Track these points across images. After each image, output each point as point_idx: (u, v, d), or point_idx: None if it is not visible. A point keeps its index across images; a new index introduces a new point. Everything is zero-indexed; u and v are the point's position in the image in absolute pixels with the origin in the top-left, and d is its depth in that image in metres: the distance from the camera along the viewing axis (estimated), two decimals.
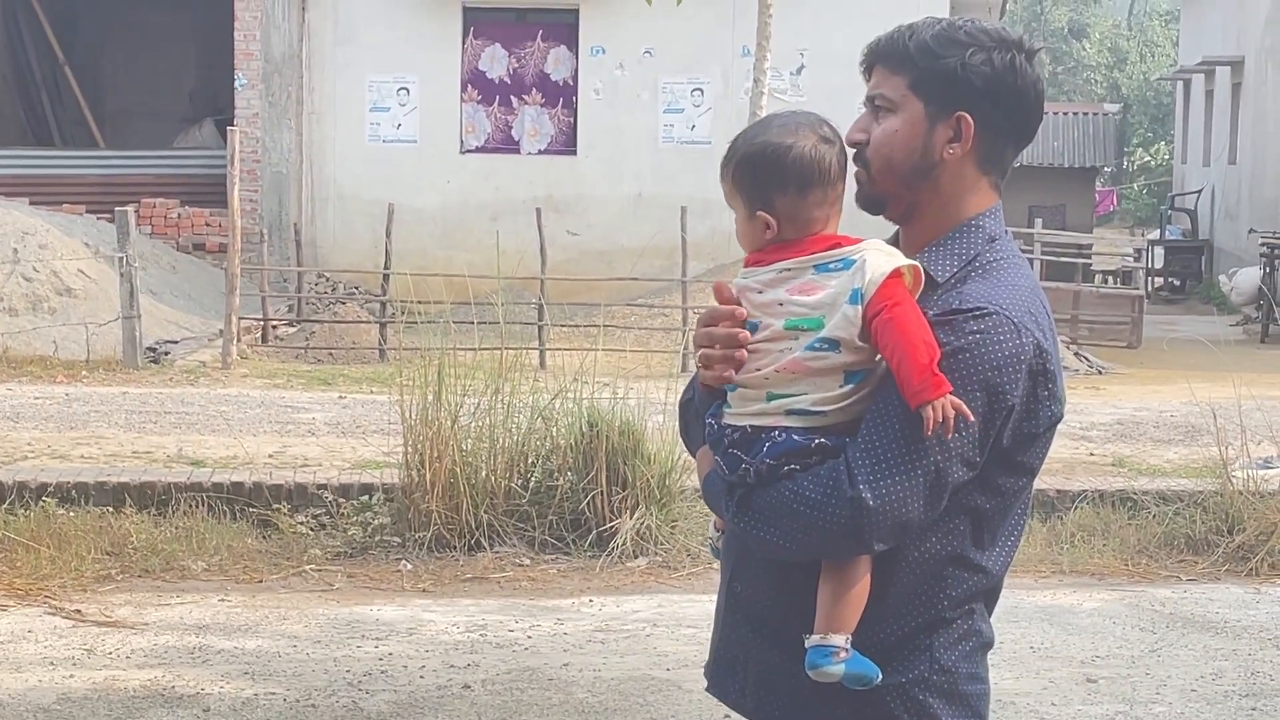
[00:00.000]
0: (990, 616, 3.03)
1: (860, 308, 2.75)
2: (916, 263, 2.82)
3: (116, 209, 16.72)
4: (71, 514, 9.18)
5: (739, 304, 2.87)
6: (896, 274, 2.77)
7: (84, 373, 15.09)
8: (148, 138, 25.93)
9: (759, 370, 2.83)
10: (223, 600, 8.12)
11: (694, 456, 3.14)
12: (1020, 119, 2.97)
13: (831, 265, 2.80)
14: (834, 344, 2.77)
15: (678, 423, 3.22)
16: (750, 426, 2.84)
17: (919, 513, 2.77)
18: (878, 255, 2.80)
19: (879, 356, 2.78)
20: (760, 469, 2.81)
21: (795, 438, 2.80)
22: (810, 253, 2.83)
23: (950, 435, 2.72)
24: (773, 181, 2.92)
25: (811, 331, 2.79)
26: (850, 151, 2.98)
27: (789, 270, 2.83)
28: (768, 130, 2.97)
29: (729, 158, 3.03)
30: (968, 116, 2.90)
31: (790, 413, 2.81)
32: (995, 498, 2.88)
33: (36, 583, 8.16)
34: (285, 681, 6.73)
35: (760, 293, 2.85)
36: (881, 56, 2.99)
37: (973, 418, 2.74)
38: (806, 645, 2.84)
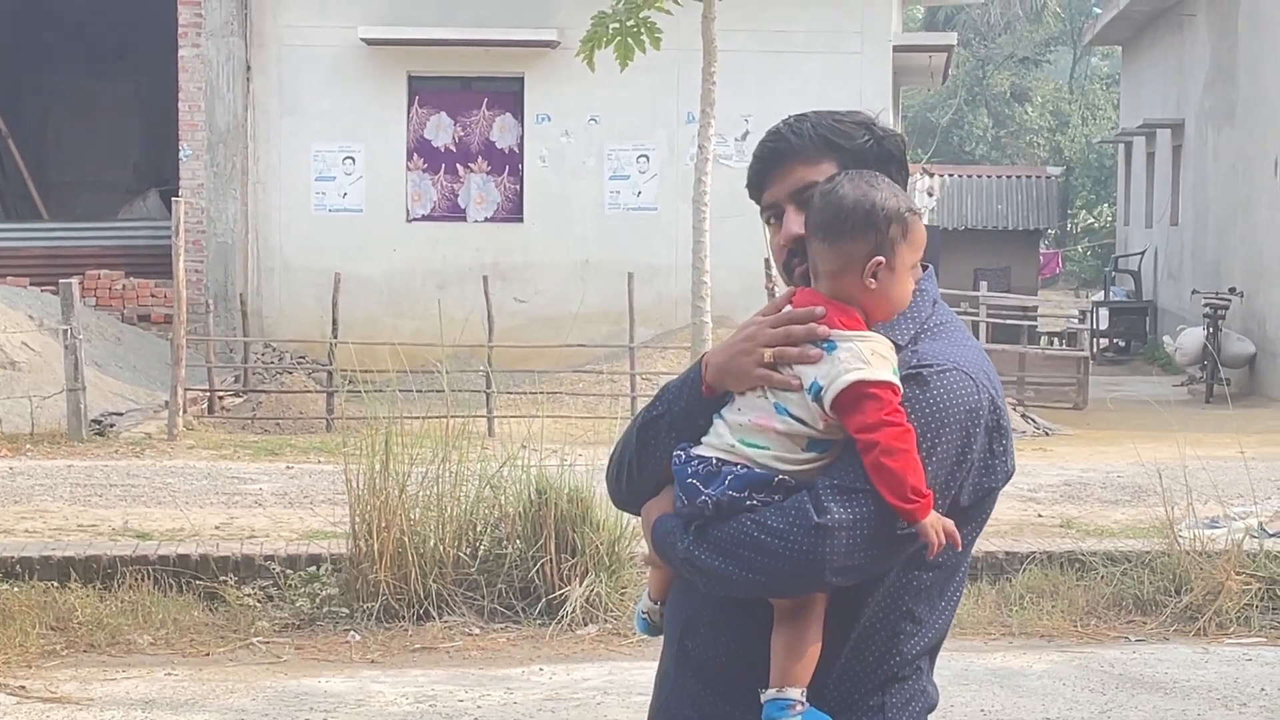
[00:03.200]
0: (932, 675, 3.05)
1: (817, 405, 2.78)
2: (892, 379, 2.81)
3: (61, 281, 16.65)
4: (15, 589, 9.09)
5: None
6: (860, 387, 2.76)
7: (28, 445, 14.98)
8: (92, 209, 25.85)
9: (739, 411, 2.86)
10: (169, 674, 8.05)
11: (623, 494, 3.13)
12: (905, 180, 3.10)
13: (819, 341, 2.83)
14: (801, 420, 2.81)
15: (623, 451, 3.16)
16: (716, 460, 2.87)
17: (877, 555, 2.79)
18: (857, 353, 2.80)
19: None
20: (721, 500, 2.84)
21: (758, 471, 2.84)
22: (826, 320, 2.85)
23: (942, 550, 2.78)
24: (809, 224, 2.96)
25: (785, 393, 2.82)
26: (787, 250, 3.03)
27: (823, 313, 2.88)
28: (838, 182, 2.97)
29: None
30: (880, 174, 3.00)
31: (753, 461, 2.85)
32: (951, 551, 2.90)
33: None
34: None
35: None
36: (797, 152, 3.04)
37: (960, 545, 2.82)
38: (763, 699, 2.86)
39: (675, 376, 3.13)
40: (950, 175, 34.10)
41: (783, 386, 2.85)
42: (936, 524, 2.76)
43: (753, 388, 2.88)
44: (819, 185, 2.94)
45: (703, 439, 2.92)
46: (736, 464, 2.85)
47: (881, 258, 2.87)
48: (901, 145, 3.04)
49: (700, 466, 2.89)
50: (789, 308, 2.90)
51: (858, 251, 2.88)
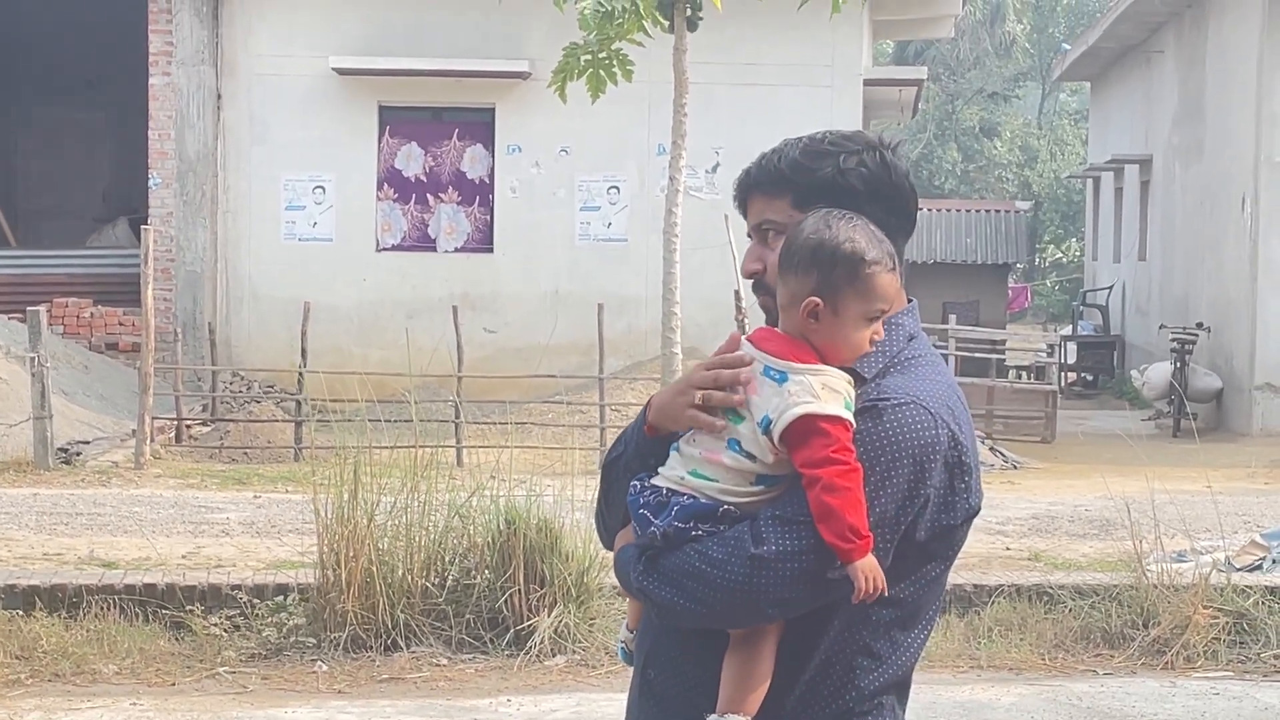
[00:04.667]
0: (903, 711, 3.04)
1: (766, 438, 2.78)
2: (842, 414, 2.81)
3: (28, 309, 16.60)
4: None
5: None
6: (809, 421, 2.76)
7: None
8: (61, 237, 25.79)
9: (694, 443, 2.87)
10: (135, 704, 8.01)
11: (606, 533, 3.15)
12: (903, 212, 3.04)
13: (773, 372, 2.82)
14: (751, 455, 2.80)
15: (598, 491, 3.20)
16: (666, 490, 2.88)
17: (815, 589, 2.78)
18: (808, 386, 2.79)
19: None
20: (668, 530, 2.85)
21: (703, 501, 2.85)
22: (780, 353, 2.84)
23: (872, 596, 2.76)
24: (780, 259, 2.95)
25: (734, 425, 2.82)
26: (748, 283, 3.04)
27: (752, 360, 2.87)
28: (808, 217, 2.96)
29: None
30: (861, 219, 2.95)
31: (701, 493, 2.85)
32: (911, 587, 2.90)
33: None
34: None
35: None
36: (756, 184, 3.04)
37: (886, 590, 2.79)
38: None
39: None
40: (920, 209, 34.18)
41: (708, 428, 2.85)
42: (869, 569, 2.75)
43: (688, 429, 2.89)
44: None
45: (659, 469, 2.93)
46: (684, 495, 2.85)
47: (818, 299, 2.85)
48: (877, 177, 2.98)
49: (651, 497, 2.90)
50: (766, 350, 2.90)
51: (800, 289, 2.87)
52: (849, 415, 2.78)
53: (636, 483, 2.95)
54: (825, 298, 2.84)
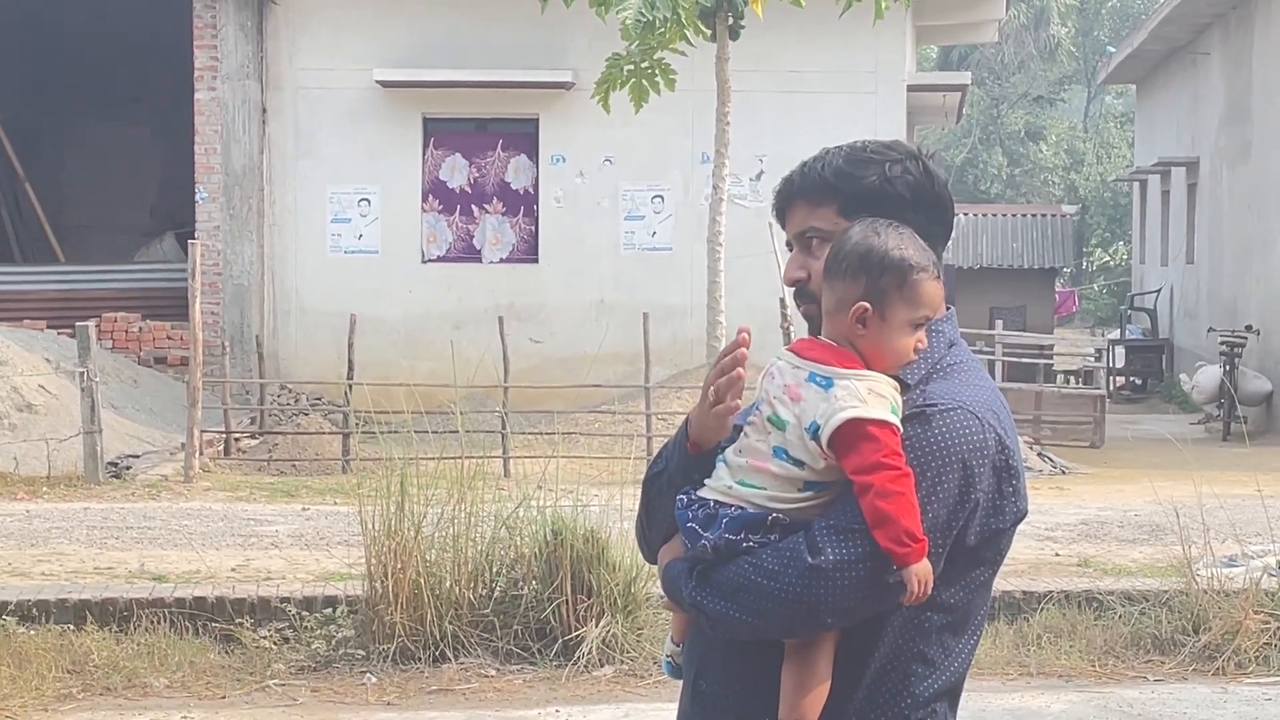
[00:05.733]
0: (955, 718, 3.03)
1: (815, 443, 2.78)
2: (889, 418, 2.81)
3: (77, 324, 16.68)
4: (32, 632, 9.09)
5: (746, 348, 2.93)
6: (856, 425, 2.76)
7: (45, 489, 15.00)
8: (109, 252, 25.93)
9: (740, 454, 2.86)
10: (185, 717, 8.04)
11: (648, 548, 3.16)
12: (943, 220, 3.06)
13: (818, 378, 2.83)
14: (799, 462, 2.80)
15: (639, 503, 3.21)
16: (714, 502, 2.88)
17: (874, 597, 2.78)
18: (854, 391, 2.80)
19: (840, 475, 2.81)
20: (718, 543, 2.85)
21: (751, 512, 2.85)
22: (824, 360, 2.85)
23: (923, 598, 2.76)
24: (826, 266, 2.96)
25: (780, 433, 2.81)
26: (790, 290, 3.05)
27: (797, 367, 2.87)
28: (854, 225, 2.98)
29: None
30: (906, 228, 2.95)
31: (749, 501, 2.85)
32: (961, 592, 2.90)
33: None
34: None
35: (774, 378, 2.90)
36: (799, 192, 3.05)
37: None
38: None
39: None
40: (965, 214, 34.13)
41: (726, 413, 2.90)
42: (923, 573, 2.75)
43: (725, 442, 2.91)
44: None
45: (706, 481, 2.94)
46: (732, 506, 2.86)
47: (867, 305, 2.86)
48: (921, 185, 3.00)
49: (699, 510, 2.90)
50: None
51: (848, 295, 2.88)
52: (896, 420, 2.79)
53: (683, 496, 2.95)
54: (874, 303, 2.85)
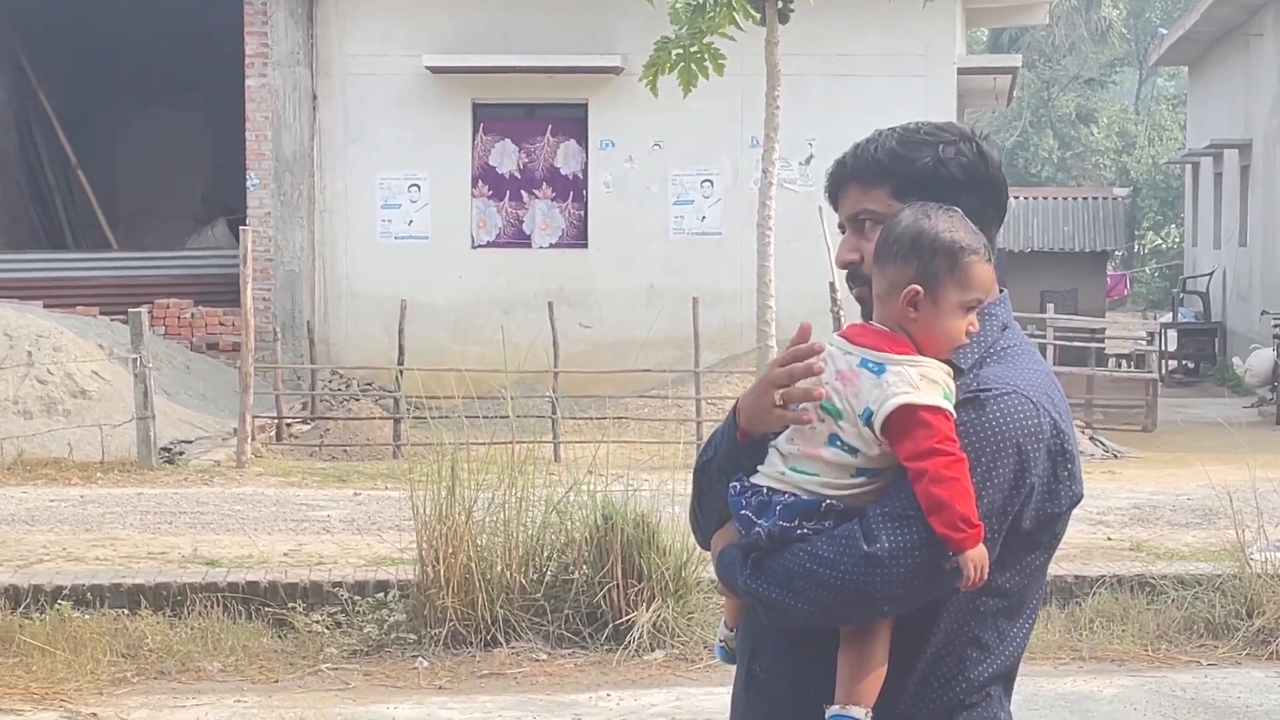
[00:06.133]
0: (1009, 703, 3.03)
1: (869, 430, 2.78)
2: (942, 404, 2.80)
3: (130, 310, 16.78)
4: (87, 616, 9.16)
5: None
6: (909, 412, 2.75)
7: (99, 474, 15.10)
8: (161, 238, 26.07)
9: (792, 441, 2.86)
10: (239, 701, 8.09)
11: (701, 534, 3.15)
12: (997, 202, 3.05)
13: (870, 364, 2.82)
14: (853, 449, 2.80)
15: (691, 491, 3.20)
16: (767, 489, 2.87)
17: (930, 584, 2.78)
18: (906, 376, 2.79)
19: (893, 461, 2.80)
20: (773, 531, 2.84)
21: (804, 498, 2.84)
22: (876, 345, 2.85)
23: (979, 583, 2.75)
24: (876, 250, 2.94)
25: (833, 419, 2.81)
26: (842, 274, 3.04)
27: (848, 353, 2.86)
28: (905, 208, 2.96)
29: None
30: (958, 209, 2.94)
31: (801, 488, 2.85)
32: (1016, 577, 2.90)
33: (52, 686, 8.13)
34: None
35: (826, 365, 2.88)
36: (852, 174, 3.04)
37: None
38: (827, 715, 2.85)
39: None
40: (1016, 197, 33.97)
41: (795, 423, 2.85)
42: (978, 558, 2.75)
43: (779, 429, 2.89)
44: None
45: (759, 468, 2.93)
46: (785, 493, 2.85)
47: (919, 288, 2.85)
48: (975, 167, 2.98)
49: (753, 498, 2.89)
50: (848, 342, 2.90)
51: (900, 278, 2.87)
52: (949, 405, 2.78)
53: (736, 484, 2.94)
54: (925, 287, 2.85)
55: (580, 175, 22.43)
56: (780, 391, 2.87)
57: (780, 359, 2.92)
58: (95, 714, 7.73)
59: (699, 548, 3.61)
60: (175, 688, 8.37)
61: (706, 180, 22.15)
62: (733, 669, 3.18)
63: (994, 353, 2.95)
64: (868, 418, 2.79)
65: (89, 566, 10.36)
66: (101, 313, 21.28)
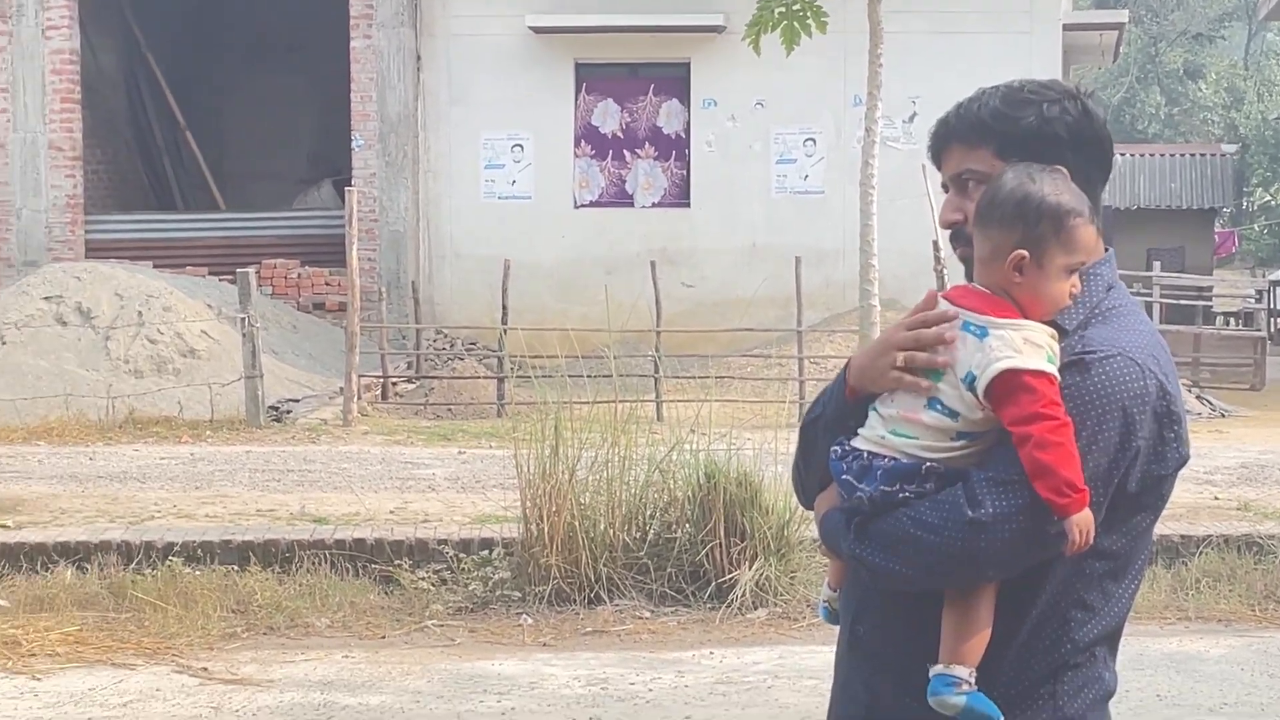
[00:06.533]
0: (1114, 663, 3.02)
1: (971, 394, 2.77)
2: (1046, 368, 2.79)
3: (238, 270, 16.96)
4: (197, 572, 9.30)
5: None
6: (1012, 376, 2.75)
7: (208, 432, 15.30)
8: (267, 199, 26.30)
9: (891, 403, 2.86)
10: (346, 656, 8.19)
11: (805, 494, 3.16)
12: (1102, 161, 3.00)
13: (973, 327, 2.81)
14: (953, 413, 2.80)
15: (796, 452, 3.20)
16: (868, 453, 2.86)
17: (1034, 548, 2.78)
18: (1009, 341, 2.77)
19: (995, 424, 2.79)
20: (874, 495, 2.83)
21: (904, 461, 2.82)
22: (979, 309, 2.84)
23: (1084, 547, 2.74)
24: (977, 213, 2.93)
25: (934, 383, 2.81)
26: (945, 233, 3.01)
27: (954, 315, 2.84)
28: (1007, 170, 2.94)
29: None
30: (1062, 170, 2.92)
31: (902, 451, 2.84)
32: (1122, 539, 2.88)
33: (164, 641, 8.27)
34: None
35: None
36: (955, 134, 3.01)
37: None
38: (930, 674, 2.85)
39: (843, 360, 3.13)
40: (1123, 154, 33.60)
41: (913, 389, 2.84)
42: (1084, 523, 2.73)
43: (890, 390, 2.88)
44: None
45: (859, 431, 2.93)
46: (885, 457, 2.86)
47: (1024, 252, 2.83)
48: (1080, 125, 2.93)
49: (854, 462, 2.89)
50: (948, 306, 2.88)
51: (1005, 242, 2.85)
52: (1053, 369, 2.76)
53: (837, 447, 2.94)
54: (1030, 251, 2.83)
55: (683, 134, 22.42)
56: (903, 354, 2.86)
57: (907, 321, 2.91)
58: (206, 668, 7.85)
59: (802, 508, 3.60)
60: (284, 643, 8.49)
61: (809, 139, 22.07)
62: (836, 629, 3.19)
63: (1099, 314, 2.92)
64: (970, 382, 2.78)
65: (199, 523, 10.50)
66: (210, 273, 21.53)
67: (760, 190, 22.13)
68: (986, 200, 2.89)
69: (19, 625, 8.37)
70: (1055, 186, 2.85)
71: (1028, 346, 2.76)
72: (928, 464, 2.81)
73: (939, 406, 2.81)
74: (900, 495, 2.82)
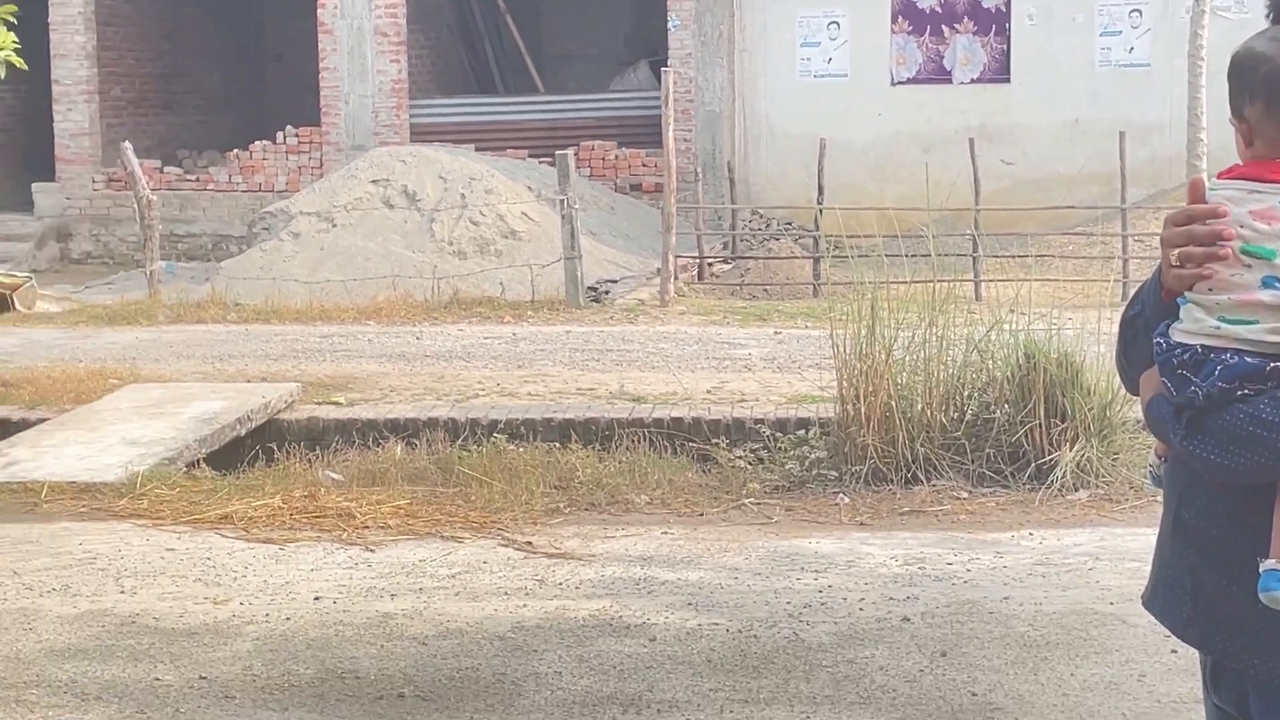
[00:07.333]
0: None
1: None
2: None
3: (557, 152, 17.18)
4: (521, 449, 9.53)
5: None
6: None
7: (529, 312, 15.60)
8: (585, 82, 26.53)
9: (1211, 292, 2.74)
10: (665, 533, 8.31)
11: (1129, 382, 3.08)
12: None
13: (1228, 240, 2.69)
14: None
15: (1116, 344, 3.13)
16: (1200, 347, 2.75)
17: None
18: None
19: None
20: (1211, 392, 2.73)
21: (1249, 360, 2.70)
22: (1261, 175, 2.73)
23: None
24: (1244, 90, 2.81)
25: (1264, 261, 2.68)
26: None
27: (1257, 191, 2.72)
28: (1261, 38, 2.83)
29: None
30: None
31: (1242, 339, 2.72)
32: None
33: (490, 515, 8.48)
34: (727, 613, 6.85)
35: (1232, 207, 2.74)
36: None
37: None
38: (1261, 568, 2.75)
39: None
40: None
41: (1197, 280, 2.71)
42: None
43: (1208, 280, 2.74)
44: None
45: (1176, 325, 2.81)
46: (1225, 351, 2.73)
47: None
48: None
49: (1185, 355, 2.78)
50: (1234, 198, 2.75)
51: None
52: None
53: (1161, 340, 2.84)
54: None
55: (1003, 8, 21.95)
56: (1177, 251, 2.74)
57: (1175, 218, 2.80)
58: (530, 542, 8.05)
59: (1125, 389, 3.49)
60: (605, 519, 8.64)
61: (1135, 9, 21.43)
62: (1157, 512, 3.12)
63: None
64: None
65: (521, 401, 10.74)
66: (529, 155, 21.85)
67: (1083, 64, 21.59)
68: (1272, 81, 2.76)
69: (353, 498, 8.68)
70: None
71: None
72: (1272, 365, 2.70)
73: (1277, 284, 2.69)
74: (1239, 393, 2.72)
